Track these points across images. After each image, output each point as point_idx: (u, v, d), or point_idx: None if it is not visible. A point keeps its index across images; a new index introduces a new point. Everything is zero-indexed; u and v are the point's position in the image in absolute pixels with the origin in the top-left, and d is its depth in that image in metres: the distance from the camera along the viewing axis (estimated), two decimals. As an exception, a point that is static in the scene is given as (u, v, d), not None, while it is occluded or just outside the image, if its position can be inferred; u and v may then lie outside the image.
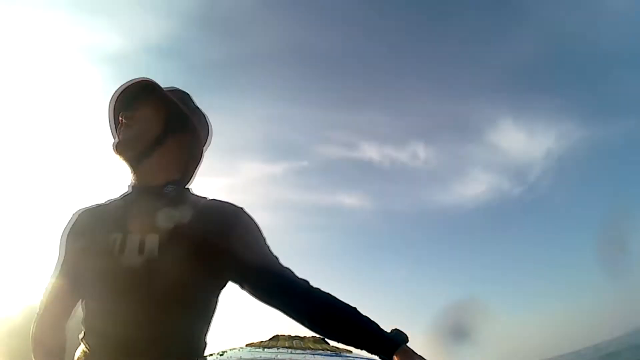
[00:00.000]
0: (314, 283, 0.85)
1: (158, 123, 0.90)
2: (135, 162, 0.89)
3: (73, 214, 0.95)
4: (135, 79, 0.88)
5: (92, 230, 0.88)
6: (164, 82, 0.92)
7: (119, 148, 0.88)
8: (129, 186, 0.92)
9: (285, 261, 0.87)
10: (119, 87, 0.90)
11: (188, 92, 0.98)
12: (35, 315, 0.93)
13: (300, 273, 0.85)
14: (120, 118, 0.90)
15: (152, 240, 0.82)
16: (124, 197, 0.92)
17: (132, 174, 0.91)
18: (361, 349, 0.79)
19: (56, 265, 0.93)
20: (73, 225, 0.93)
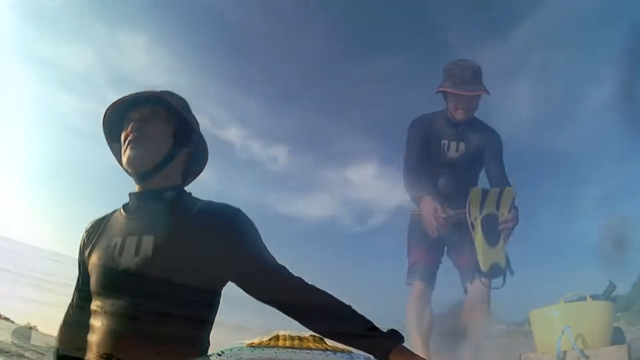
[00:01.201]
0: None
1: (168, 138, 0.94)
2: (145, 176, 0.92)
3: (85, 230, 0.99)
4: (146, 91, 0.92)
5: (99, 240, 0.93)
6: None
7: (133, 164, 0.90)
8: (130, 194, 0.95)
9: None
10: (129, 95, 0.92)
11: (183, 97, 0.99)
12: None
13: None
14: (129, 125, 0.92)
15: (148, 241, 0.84)
16: (126, 204, 0.96)
17: (137, 184, 0.94)
18: (357, 348, 0.80)
19: (77, 278, 0.98)
20: (85, 239, 0.98)
